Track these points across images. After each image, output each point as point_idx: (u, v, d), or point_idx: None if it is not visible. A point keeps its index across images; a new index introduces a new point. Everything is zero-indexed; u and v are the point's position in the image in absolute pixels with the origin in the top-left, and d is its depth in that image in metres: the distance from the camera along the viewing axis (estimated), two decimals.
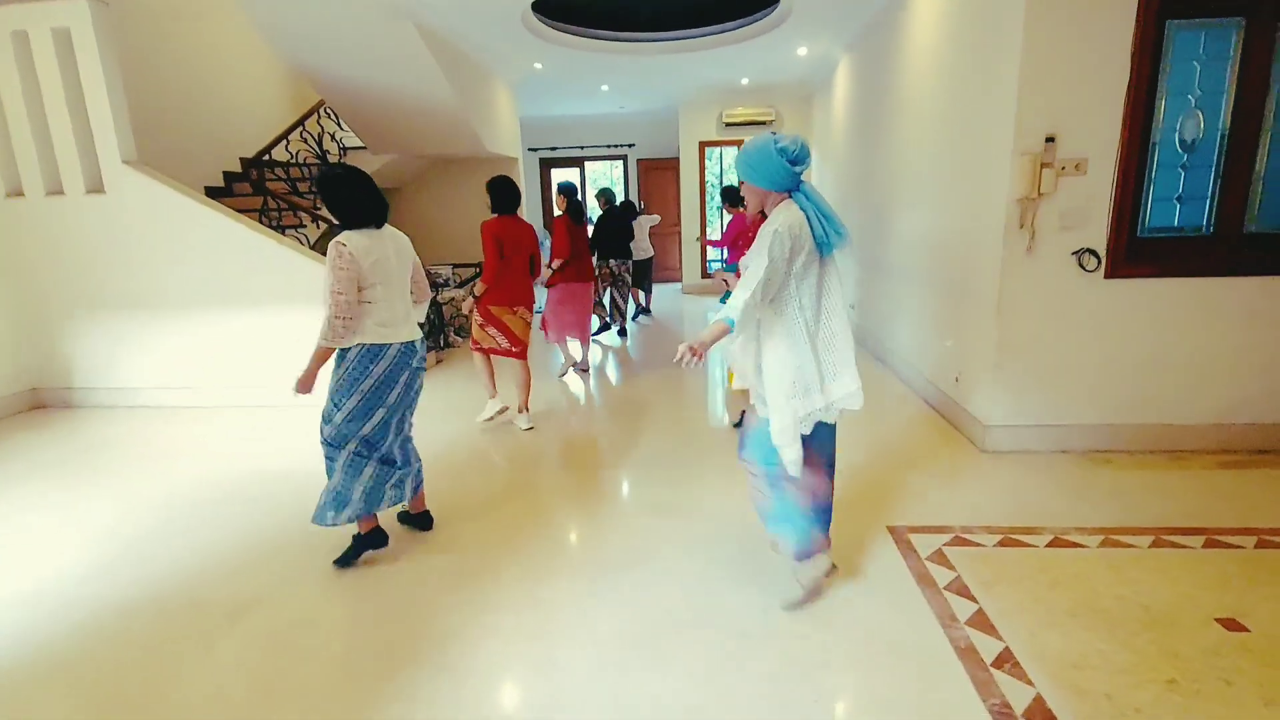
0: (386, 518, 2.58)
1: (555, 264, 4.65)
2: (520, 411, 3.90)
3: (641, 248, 7.40)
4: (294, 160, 6.47)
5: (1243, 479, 2.86)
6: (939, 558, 2.32)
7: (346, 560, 2.40)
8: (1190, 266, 2.95)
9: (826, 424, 1.99)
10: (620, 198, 10.83)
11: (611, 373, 5.36)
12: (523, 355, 3.83)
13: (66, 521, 2.89)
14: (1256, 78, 2.78)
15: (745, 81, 8.10)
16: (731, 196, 5.49)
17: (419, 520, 2.67)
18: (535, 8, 5.22)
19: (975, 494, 2.85)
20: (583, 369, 5.20)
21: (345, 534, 2.47)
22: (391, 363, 2.30)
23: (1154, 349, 3.08)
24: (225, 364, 4.50)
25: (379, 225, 2.33)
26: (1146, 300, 3.03)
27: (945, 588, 2.14)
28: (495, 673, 1.86)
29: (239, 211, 4.61)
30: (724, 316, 1.88)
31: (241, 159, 6.34)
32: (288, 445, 3.76)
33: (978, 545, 2.40)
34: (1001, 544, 2.40)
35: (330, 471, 2.35)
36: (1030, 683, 1.72)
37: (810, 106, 8.68)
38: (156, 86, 5.44)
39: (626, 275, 6.35)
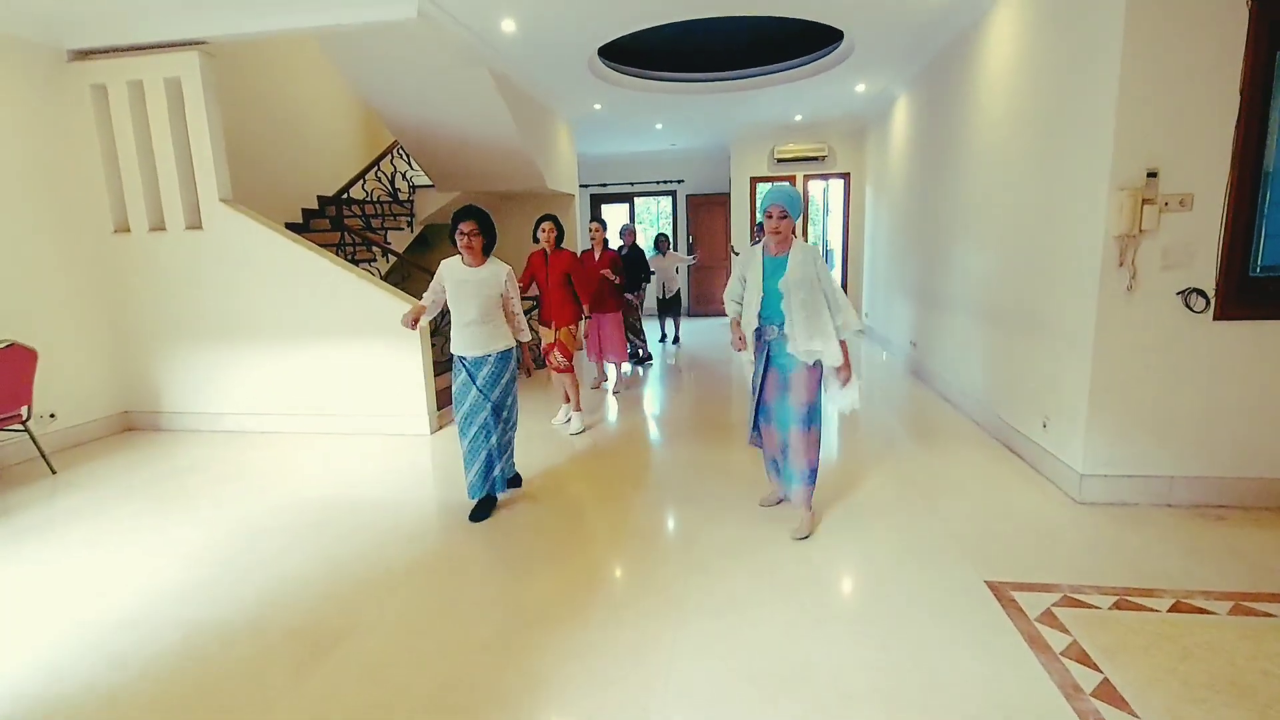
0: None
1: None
2: (577, 410, 4.48)
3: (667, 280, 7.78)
4: (368, 198, 6.78)
5: None
6: (1049, 619, 2.16)
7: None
8: None
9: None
10: (669, 232, 11.06)
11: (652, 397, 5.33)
12: (571, 366, 4.54)
13: (162, 543, 2.98)
14: None
15: (799, 118, 8.15)
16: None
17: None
18: (600, 52, 5.40)
19: (1077, 549, 2.66)
20: (601, 383, 5.80)
21: (425, 561, 2.56)
22: (453, 368, 3.14)
23: (1270, 396, 2.86)
24: (304, 392, 4.66)
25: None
26: (1260, 344, 2.83)
27: (1062, 654, 1.98)
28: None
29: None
30: (852, 332, 2.69)
31: (319, 197, 6.68)
32: (365, 474, 3.83)
33: (1091, 607, 2.22)
34: (1117, 606, 2.23)
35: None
36: None
37: (863, 140, 8.65)
38: (246, 130, 5.82)
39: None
